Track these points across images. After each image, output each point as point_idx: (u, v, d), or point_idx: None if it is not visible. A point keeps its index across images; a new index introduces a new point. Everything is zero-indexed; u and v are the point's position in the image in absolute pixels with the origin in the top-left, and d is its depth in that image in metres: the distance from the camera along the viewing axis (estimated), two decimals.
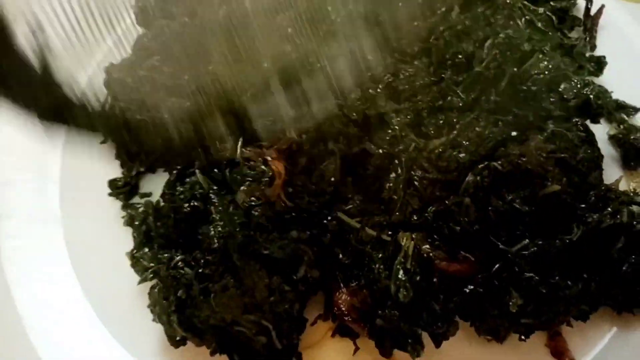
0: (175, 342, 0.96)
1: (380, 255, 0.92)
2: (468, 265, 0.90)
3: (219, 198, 0.98)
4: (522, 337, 0.92)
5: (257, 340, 0.90)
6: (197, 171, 1.02)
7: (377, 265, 0.91)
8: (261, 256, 0.91)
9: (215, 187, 1.01)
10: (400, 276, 0.89)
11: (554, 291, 0.88)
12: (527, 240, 0.89)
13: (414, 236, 0.91)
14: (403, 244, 0.91)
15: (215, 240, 0.92)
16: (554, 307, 0.90)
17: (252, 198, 0.93)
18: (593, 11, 1.19)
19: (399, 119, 0.97)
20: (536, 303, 0.89)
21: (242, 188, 0.95)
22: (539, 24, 1.10)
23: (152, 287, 0.97)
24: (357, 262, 0.93)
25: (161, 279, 0.96)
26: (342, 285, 0.93)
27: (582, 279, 0.90)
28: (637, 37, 1.20)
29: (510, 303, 0.87)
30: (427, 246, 0.91)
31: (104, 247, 1.07)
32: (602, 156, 1.00)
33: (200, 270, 0.92)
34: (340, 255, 0.94)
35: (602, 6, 1.19)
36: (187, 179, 1.04)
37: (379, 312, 0.89)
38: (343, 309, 0.91)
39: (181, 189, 1.04)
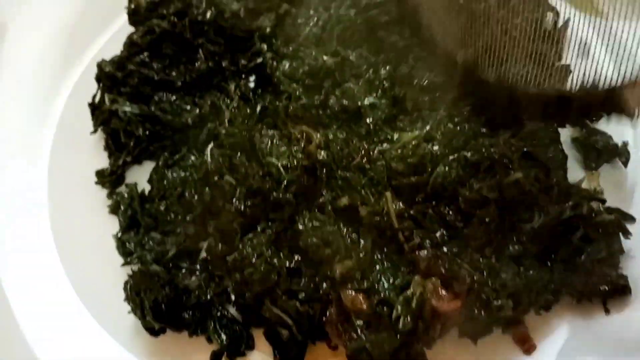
0: (155, 332, 1.00)
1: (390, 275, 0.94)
2: (460, 303, 0.92)
3: None
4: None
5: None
6: None
7: (384, 280, 0.93)
8: None
9: None
10: (402, 307, 0.90)
11: (522, 280, 0.94)
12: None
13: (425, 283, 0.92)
14: (413, 286, 0.92)
15: None
16: (523, 295, 0.94)
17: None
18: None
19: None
20: (510, 296, 0.93)
21: None
22: (514, 33, 1.17)
23: (126, 283, 1.01)
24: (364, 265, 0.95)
25: (133, 274, 1.00)
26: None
27: (546, 269, 0.96)
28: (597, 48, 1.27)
29: (495, 303, 0.91)
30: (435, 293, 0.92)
31: (89, 234, 1.11)
32: (566, 156, 1.07)
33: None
34: None
35: (568, 19, 1.27)
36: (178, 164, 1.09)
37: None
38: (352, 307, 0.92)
39: (170, 175, 1.09)
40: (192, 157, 1.10)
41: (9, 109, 1.21)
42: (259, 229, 0.98)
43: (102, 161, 1.17)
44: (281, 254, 0.96)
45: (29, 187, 1.16)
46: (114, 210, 1.11)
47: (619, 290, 0.98)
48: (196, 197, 1.05)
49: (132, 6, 1.26)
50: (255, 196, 1.00)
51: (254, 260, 0.94)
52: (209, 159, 1.06)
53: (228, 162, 1.04)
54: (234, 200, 1.00)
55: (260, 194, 0.99)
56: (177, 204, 1.07)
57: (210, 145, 1.08)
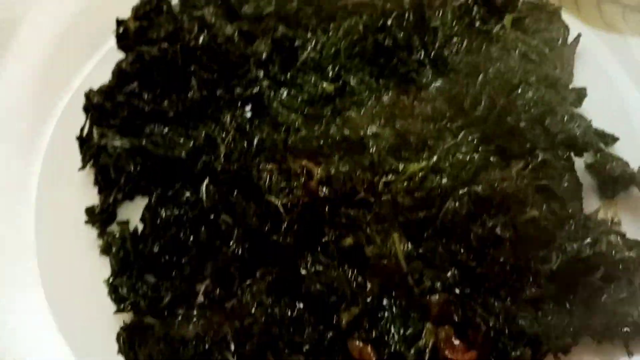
0: None
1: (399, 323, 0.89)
2: (475, 355, 0.87)
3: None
4: None
5: None
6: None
7: (393, 331, 0.89)
8: None
9: None
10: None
11: (540, 325, 0.89)
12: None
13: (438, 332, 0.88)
14: (424, 337, 0.87)
15: None
16: (542, 341, 0.89)
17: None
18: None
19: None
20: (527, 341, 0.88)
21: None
22: (533, 56, 1.12)
23: (118, 335, 0.95)
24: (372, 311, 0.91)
25: (126, 327, 0.95)
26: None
27: (565, 310, 0.91)
28: (611, 66, 1.22)
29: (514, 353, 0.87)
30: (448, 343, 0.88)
31: (79, 278, 1.04)
32: (581, 185, 1.02)
33: None
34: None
35: (579, 35, 1.21)
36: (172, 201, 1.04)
37: None
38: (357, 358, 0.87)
39: (164, 213, 1.03)
40: (187, 193, 1.04)
41: None
42: (258, 275, 0.92)
43: (92, 197, 1.11)
44: (283, 302, 0.90)
45: (15, 226, 1.09)
46: (105, 251, 1.05)
47: None
48: (192, 237, 0.99)
49: (121, 30, 1.21)
50: (253, 237, 0.94)
51: (253, 310, 0.88)
52: (204, 197, 1.00)
53: (224, 200, 0.98)
54: (231, 242, 0.95)
55: (259, 235, 0.93)
56: (172, 244, 1.01)
57: (206, 181, 1.02)
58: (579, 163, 1.07)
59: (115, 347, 0.95)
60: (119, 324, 0.96)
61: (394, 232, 0.92)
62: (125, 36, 1.21)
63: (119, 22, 1.21)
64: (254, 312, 0.89)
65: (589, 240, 0.93)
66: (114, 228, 1.08)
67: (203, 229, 0.99)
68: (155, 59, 1.13)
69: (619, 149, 1.10)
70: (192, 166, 1.05)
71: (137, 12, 1.19)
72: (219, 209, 0.99)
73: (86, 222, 1.08)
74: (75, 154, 1.12)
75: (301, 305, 0.91)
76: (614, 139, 1.11)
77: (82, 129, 1.13)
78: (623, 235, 0.97)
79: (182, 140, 1.07)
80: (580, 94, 1.13)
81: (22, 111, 1.19)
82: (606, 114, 1.14)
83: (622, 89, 1.19)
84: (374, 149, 0.99)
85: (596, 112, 1.12)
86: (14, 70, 1.24)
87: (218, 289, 0.96)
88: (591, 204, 1.04)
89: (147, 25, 1.19)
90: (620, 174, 1.04)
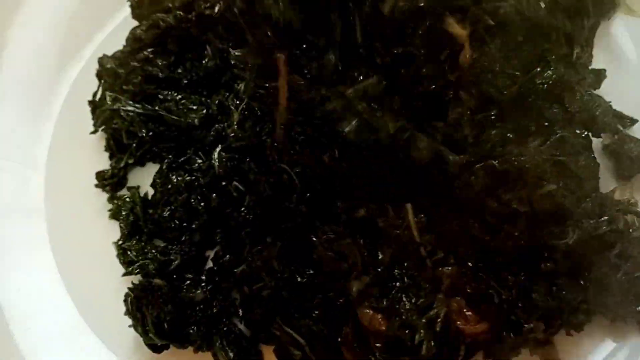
0: (157, 348, 0.94)
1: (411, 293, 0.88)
2: (488, 326, 0.86)
3: None
4: None
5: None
6: None
7: (407, 302, 0.87)
8: None
9: None
10: (425, 330, 0.84)
11: (554, 299, 0.88)
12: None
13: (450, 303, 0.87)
14: (436, 307, 0.86)
15: None
16: (555, 319, 0.88)
17: None
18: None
19: None
20: (540, 316, 0.87)
21: None
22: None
23: (126, 296, 0.95)
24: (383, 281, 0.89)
25: (134, 288, 0.94)
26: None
27: (579, 287, 0.90)
28: (629, 49, 1.20)
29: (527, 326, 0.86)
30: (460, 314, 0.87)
31: (88, 241, 1.04)
32: (598, 165, 1.00)
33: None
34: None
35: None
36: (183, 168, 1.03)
37: None
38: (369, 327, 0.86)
39: (175, 179, 1.02)
40: (199, 160, 1.03)
41: (2, 108, 1.13)
42: (268, 241, 0.91)
43: (103, 162, 1.11)
44: (293, 268, 0.89)
45: (25, 190, 1.09)
46: (115, 215, 1.04)
47: None
48: (202, 203, 0.98)
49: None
50: (265, 205, 0.93)
51: (263, 274, 0.87)
52: (216, 163, 0.99)
53: (237, 167, 0.97)
54: (242, 209, 0.94)
55: (271, 203, 0.92)
56: (182, 210, 1.00)
57: (218, 148, 1.01)
58: (596, 144, 1.06)
59: (123, 308, 0.94)
60: (127, 286, 0.96)
61: (406, 204, 0.91)
62: (140, 5, 1.20)
63: None
64: (264, 277, 0.88)
65: (606, 217, 0.91)
66: (124, 193, 1.07)
67: (214, 195, 0.99)
68: (171, 27, 1.12)
69: (637, 131, 1.08)
70: (205, 133, 1.05)
71: None
72: (231, 176, 0.98)
73: (96, 185, 1.07)
74: (87, 119, 1.12)
75: (311, 272, 0.89)
76: (632, 121, 1.09)
77: (94, 94, 1.12)
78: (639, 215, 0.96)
79: (195, 107, 1.06)
80: (600, 75, 1.12)
81: (36, 76, 1.19)
82: (624, 97, 1.12)
83: None
84: None
85: (614, 94, 1.11)
86: (28, 35, 1.23)
87: (228, 255, 0.95)
88: (607, 185, 1.03)
89: None
90: (638, 155, 1.02)
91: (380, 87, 0.86)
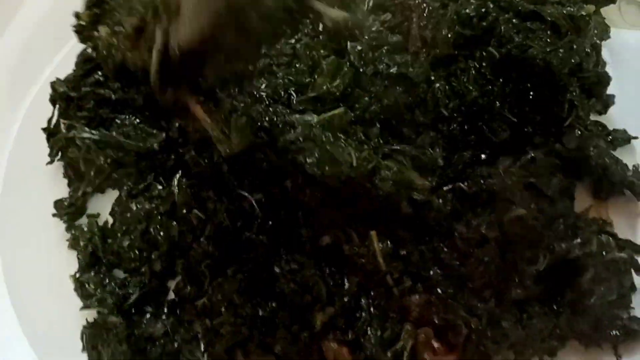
0: None
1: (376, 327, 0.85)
2: (455, 357, 0.84)
3: None
4: None
5: None
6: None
7: (370, 332, 0.84)
8: None
9: None
10: None
11: (524, 328, 0.85)
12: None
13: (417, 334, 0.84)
14: (402, 339, 0.83)
15: None
16: (526, 345, 0.85)
17: None
18: None
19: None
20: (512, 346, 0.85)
21: None
22: None
23: (82, 333, 0.92)
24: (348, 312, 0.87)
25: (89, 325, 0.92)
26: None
27: (552, 313, 0.87)
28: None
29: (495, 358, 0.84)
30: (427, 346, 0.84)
31: (46, 272, 1.00)
32: (574, 184, 0.97)
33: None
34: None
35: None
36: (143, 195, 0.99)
37: None
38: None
39: (135, 206, 0.98)
40: (159, 187, 0.99)
41: None
42: (229, 273, 0.88)
43: (62, 190, 1.06)
44: (254, 302, 0.86)
45: None
46: (73, 246, 1.00)
47: (631, 335, 0.88)
48: (162, 233, 0.95)
49: (79, 22, 1.12)
50: (225, 235, 0.89)
51: (223, 310, 0.84)
52: (175, 190, 0.96)
53: (196, 195, 0.93)
54: (201, 239, 0.90)
55: (231, 233, 0.89)
56: (142, 239, 0.96)
57: (178, 175, 0.97)
58: None
59: (80, 345, 0.91)
60: (86, 319, 0.93)
61: (371, 232, 0.88)
62: (84, 28, 1.14)
63: (76, 15, 1.13)
64: (224, 312, 0.85)
65: (578, 240, 0.89)
66: (84, 221, 1.03)
67: (174, 224, 0.95)
68: None
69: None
70: (166, 158, 1.01)
71: (88, 1, 1.11)
72: (191, 205, 0.95)
73: (54, 215, 1.03)
74: (44, 147, 1.07)
75: (274, 305, 0.86)
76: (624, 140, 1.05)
77: (49, 121, 1.08)
78: (614, 235, 0.93)
79: (155, 131, 1.02)
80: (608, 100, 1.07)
81: None
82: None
83: None
84: None
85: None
86: None
87: (189, 287, 0.92)
88: (582, 201, 1.00)
89: (100, 12, 1.11)
90: (619, 179, 0.97)
91: (348, 117, 0.83)
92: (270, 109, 0.82)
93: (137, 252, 0.96)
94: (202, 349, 0.90)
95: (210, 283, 0.89)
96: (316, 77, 0.84)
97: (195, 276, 0.91)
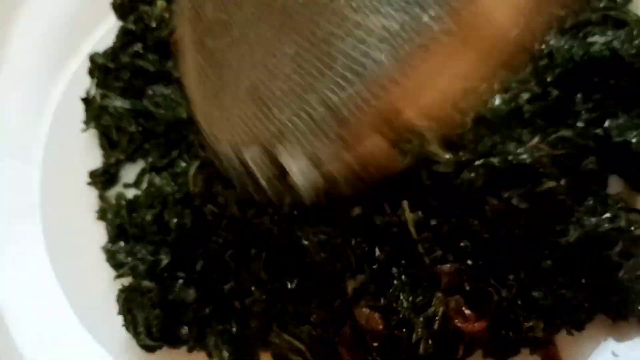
0: (150, 348, 0.93)
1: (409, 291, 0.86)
2: (486, 324, 0.84)
3: None
4: None
5: None
6: None
7: (404, 300, 0.85)
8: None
9: None
10: (423, 329, 0.83)
11: (555, 300, 0.86)
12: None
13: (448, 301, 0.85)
14: (434, 305, 0.84)
15: None
16: (555, 317, 0.87)
17: None
18: None
19: None
20: (540, 314, 0.85)
21: None
22: None
23: (118, 296, 0.94)
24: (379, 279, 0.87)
25: (124, 289, 0.93)
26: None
27: (580, 286, 0.88)
28: None
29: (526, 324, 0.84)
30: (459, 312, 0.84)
31: (82, 240, 1.03)
32: (608, 167, 0.97)
33: None
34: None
35: None
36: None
37: None
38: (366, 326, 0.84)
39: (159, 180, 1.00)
40: (182, 164, 1.00)
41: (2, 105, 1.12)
42: (253, 252, 0.89)
43: (98, 160, 1.09)
44: (283, 277, 0.87)
45: (21, 188, 1.08)
46: (102, 217, 1.03)
47: None
48: (175, 220, 0.96)
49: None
50: (239, 227, 0.90)
51: (253, 289, 0.86)
52: (191, 184, 0.96)
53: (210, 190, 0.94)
54: (219, 231, 0.91)
55: (245, 224, 0.90)
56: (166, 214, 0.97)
57: (195, 165, 0.97)
58: None
59: (116, 308, 0.94)
60: (121, 283, 0.96)
61: (403, 201, 0.89)
62: (122, 5, 1.15)
63: None
64: (254, 291, 0.87)
65: (607, 215, 0.89)
66: (112, 194, 1.05)
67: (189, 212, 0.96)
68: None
69: None
70: (193, 128, 1.02)
71: None
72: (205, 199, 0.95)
73: (89, 183, 1.06)
74: (82, 116, 1.10)
75: (302, 276, 0.87)
76: None
77: (87, 91, 1.10)
78: None
79: (183, 101, 1.03)
80: None
81: (34, 73, 1.16)
82: None
83: None
84: None
85: None
86: (26, 32, 1.21)
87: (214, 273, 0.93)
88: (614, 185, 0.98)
89: None
90: None
91: None
92: None
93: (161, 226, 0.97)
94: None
95: (236, 269, 0.90)
96: None
97: (218, 266, 0.92)
